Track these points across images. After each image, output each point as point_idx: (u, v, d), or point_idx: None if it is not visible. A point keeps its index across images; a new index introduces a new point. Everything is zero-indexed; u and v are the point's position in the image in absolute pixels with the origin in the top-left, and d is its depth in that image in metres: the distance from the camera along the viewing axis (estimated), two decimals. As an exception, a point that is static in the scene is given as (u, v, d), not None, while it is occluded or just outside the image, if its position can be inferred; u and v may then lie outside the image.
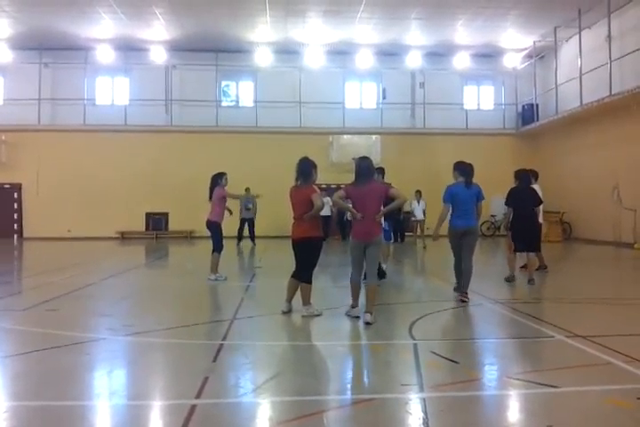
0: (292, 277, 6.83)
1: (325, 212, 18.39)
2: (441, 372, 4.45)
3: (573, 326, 5.95)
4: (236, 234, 18.02)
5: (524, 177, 9.80)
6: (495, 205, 17.71)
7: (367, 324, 6.12)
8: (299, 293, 6.79)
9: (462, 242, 7.76)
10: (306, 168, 6.75)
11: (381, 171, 9.83)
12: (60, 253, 17.02)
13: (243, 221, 18.24)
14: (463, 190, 7.74)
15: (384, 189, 6.56)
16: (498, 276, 10.23)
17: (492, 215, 21.58)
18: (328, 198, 18.55)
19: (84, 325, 6.40)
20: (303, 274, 6.68)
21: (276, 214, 17.66)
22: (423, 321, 6.34)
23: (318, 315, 6.63)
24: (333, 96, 23.16)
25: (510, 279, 9.47)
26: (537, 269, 10.35)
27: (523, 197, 9.50)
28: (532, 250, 9.62)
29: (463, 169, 7.95)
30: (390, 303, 7.49)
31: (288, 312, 6.76)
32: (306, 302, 6.69)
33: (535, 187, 10.19)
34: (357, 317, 6.45)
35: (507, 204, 9.56)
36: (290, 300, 6.83)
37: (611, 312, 7.18)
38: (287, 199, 6.85)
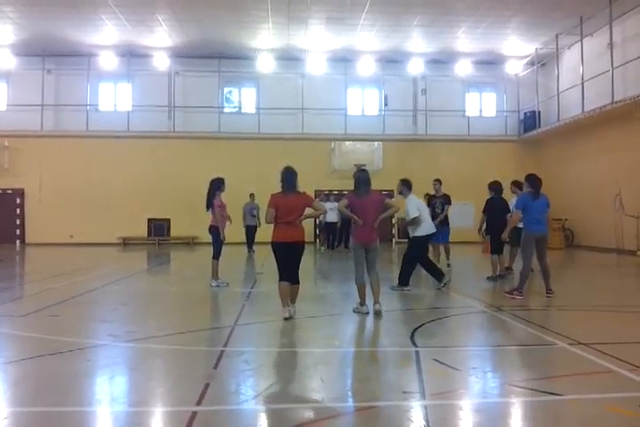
0: (284, 280, 6.88)
1: (332, 218, 18.26)
2: (443, 379, 4.43)
3: (576, 333, 5.93)
4: (239, 240, 17.49)
5: (497, 189, 10.96)
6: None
7: (377, 313, 6.95)
8: None
9: (536, 246, 8.59)
10: (292, 177, 7.02)
11: (439, 182, 11.30)
12: (61, 258, 17.03)
13: (248, 228, 17.32)
14: (532, 200, 8.57)
15: (381, 198, 7.29)
16: (501, 283, 10.25)
17: None
18: (336, 204, 18.49)
19: (85, 331, 6.39)
20: (296, 275, 6.99)
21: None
22: (425, 328, 6.33)
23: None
24: (335, 103, 23.21)
25: (495, 279, 10.58)
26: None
27: (500, 205, 10.72)
28: (501, 252, 10.82)
29: (534, 182, 8.74)
30: (392, 310, 7.47)
31: (290, 318, 6.75)
32: (293, 301, 7.02)
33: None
34: (366, 313, 7.02)
35: (484, 211, 10.81)
36: (288, 304, 6.86)
37: (613, 320, 7.16)
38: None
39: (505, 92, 23.96)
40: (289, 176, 6.99)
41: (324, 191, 20.74)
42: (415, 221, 9.17)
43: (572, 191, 20.10)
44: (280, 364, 5.03)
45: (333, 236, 18.98)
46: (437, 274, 9.50)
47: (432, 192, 13.07)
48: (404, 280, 9.38)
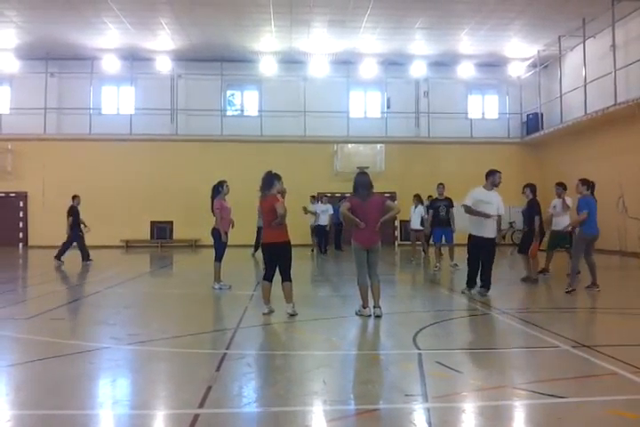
0: (266, 280, 7.29)
1: (322, 221, 17.89)
2: (445, 382, 4.42)
3: (579, 335, 5.92)
4: (242, 243, 17.35)
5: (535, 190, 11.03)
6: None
7: (377, 317, 6.92)
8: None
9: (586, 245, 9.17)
10: (268, 180, 7.30)
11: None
12: (64, 261, 17.04)
13: (259, 230, 16.30)
14: (594, 203, 9.20)
15: (382, 200, 7.28)
16: (503, 285, 10.22)
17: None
18: (329, 206, 18.22)
19: (87, 333, 6.40)
20: (286, 274, 7.19)
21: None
22: (428, 331, 6.31)
23: (295, 314, 7.07)
24: (338, 105, 23.22)
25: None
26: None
27: None
28: None
29: (591, 185, 9.32)
30: (395, 313, 7.46)
31: (270, 313, 7.16)
32: (289, 299, 7.17)
33: None
34: (369, 315, 7.00)
35: (538, 214, 10.60)
36: (268, 302, 7.28)
37: (617, 322, 7.14)
38: (290, 208, 7.44)
39: (507, 94, 23.96)
40: (263, 179, 7.33)
41: (326, 194, 20.71)
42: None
43: (575, 193, 20.02)
44: (282, 366, 5.02)
45: (326, 239, 18.17)
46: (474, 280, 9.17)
47: (435, 195, 13.63)
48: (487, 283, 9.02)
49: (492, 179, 9.06)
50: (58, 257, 14.62)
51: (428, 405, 3.88)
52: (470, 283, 9.10)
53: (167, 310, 8.09)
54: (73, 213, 15.27)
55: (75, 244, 15.12)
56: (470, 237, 8.97)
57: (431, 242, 14.21)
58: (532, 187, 10.87)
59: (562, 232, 10.73)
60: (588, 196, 9.27)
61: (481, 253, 8.93)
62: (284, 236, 7.22)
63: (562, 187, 11.37)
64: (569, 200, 11.12)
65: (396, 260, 17.35)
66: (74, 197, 15.63)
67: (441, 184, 13.46)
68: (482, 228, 8.83)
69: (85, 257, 15.12)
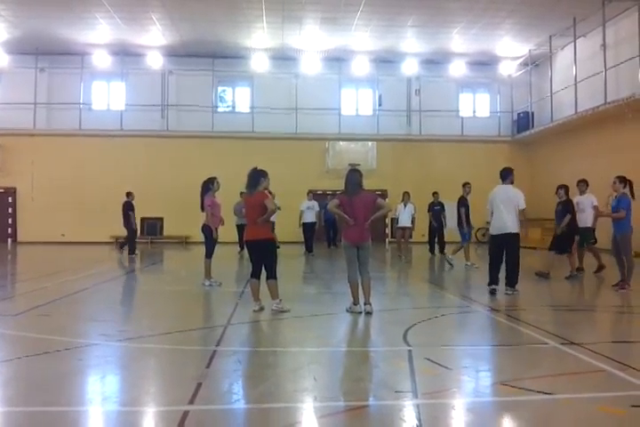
0: (253, 277, 7.29)
1: (310, 218, 17.70)
2: (435, 378, 4.43)
3: (568, 333, 5.95)
4: (232, 240, 17.23)
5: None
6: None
7: (368, 313, 6.91)
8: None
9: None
10: (254, 177, 7.27)
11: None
12: (53, 257, 16.96)
13: (239, 228, 16.18)
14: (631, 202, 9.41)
15: (373, 198, 7.21)
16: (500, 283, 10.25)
17: None
18: (315, 202, 18.04)
19: (76, 330, 6.36)
20: (270, 272, 7.18)
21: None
22: (418, 328, 6.32)
23: (287, 311, 7.04)
24: (329, 102, 23.23)
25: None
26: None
27: None
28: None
29: (627, 182, 9.53)
30: (385, 310, 7.48)
31: (260, 310, 7.15)
32: (274, 296, 7.17)
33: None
34: (359, 312, 7.00)
35: (570, 212, 10.82)
36: (258, 299, 7.26)
37: (606, 320, 7.19)
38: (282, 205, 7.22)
39: (498, 92, 24.04)
40: (248, 176, 7.29)
41: (317, 191, 20.68)
42: None
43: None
44: (272, 363, 5.01)
45: (311, 237, 17.61)
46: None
47: (461, 194, 13.58)
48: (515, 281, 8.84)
49: (512, 177, 9.11)
50: (132, 252, 15.86)
51: (418, 401, 3.89)
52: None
53: (157, 307, 8.06)
54: (131, 208, 16.07)
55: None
56: (518, 235, 8.76)
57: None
58: (565, 188, 11.12)
59: (589, 229, 11.10)
60: (627, 194, 9.38)
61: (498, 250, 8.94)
62: (267, 233, 7.24)
63: (585, 184, 11.56)
64: (594, 198, 11.33)
65: (386, 257, 17.37)
66: (128, 194, 16.25)
67: (468, 183, 13.52)
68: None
69: (132, 251, 16.14)
